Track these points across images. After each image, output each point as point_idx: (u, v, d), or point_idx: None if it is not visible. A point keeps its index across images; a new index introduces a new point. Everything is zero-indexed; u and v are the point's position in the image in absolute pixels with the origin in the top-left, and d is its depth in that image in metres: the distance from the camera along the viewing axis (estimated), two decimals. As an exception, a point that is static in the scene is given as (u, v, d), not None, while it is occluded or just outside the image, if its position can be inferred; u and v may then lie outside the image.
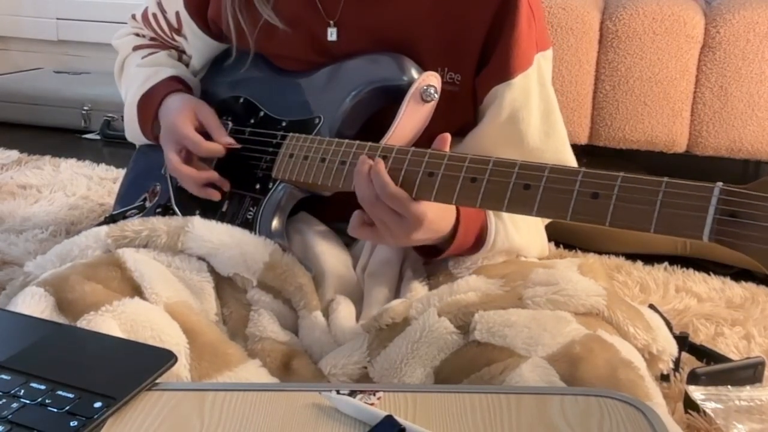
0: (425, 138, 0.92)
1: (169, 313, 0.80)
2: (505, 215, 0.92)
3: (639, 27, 1.56)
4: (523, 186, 0.71)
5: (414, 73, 0.92)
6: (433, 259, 0.93)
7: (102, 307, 0.77)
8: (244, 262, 0.88)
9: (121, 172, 1.92)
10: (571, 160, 1.00)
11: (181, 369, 0.76)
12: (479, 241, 0.91)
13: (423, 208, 0.80)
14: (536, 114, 0.95)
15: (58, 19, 2.98)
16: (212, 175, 0.99)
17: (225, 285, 0.89)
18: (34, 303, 0.77)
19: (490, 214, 0.91)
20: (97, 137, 2.42)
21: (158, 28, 1.15)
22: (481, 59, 0.94)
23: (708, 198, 0.60)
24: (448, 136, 0.82)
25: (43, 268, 0.87)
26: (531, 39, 0.93)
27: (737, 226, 0.58)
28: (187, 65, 1.16)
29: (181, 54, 1.17)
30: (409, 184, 0.80)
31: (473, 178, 0.75)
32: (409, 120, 0.90)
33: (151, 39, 1.18)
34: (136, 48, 1.17)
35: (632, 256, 1.48)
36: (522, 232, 0.94)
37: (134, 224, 0.91)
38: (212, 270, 0.89)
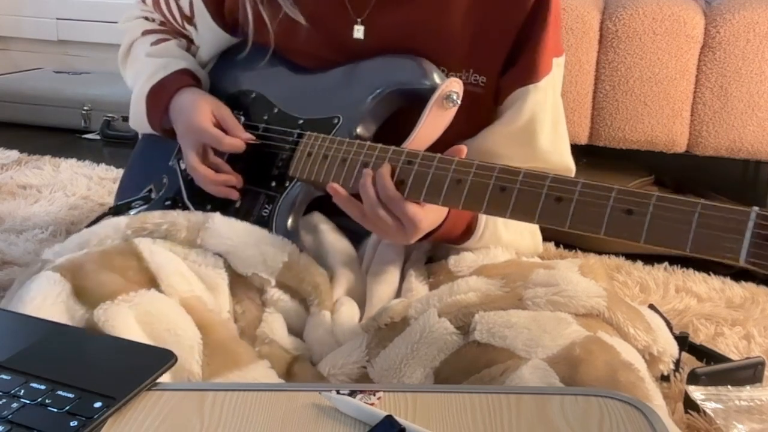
0: (444, 138, 0.93)
1: (184, 308, 0.80)
2: None
3: (639, 27, 1.56)
4: (555, 198, 0.71)
5: (437, 79, 0.91)
6: (417, 242, 0.93)
7: (119, 296, 0.76)
8: (263, 262, 0.88)
9: (120, 172, 1.91)
10: (572, 163, 1.02)
11: (193, 365, 0.77)
12: (468, 230, 0.92)
13: (421, 215, 0.82)
14: (549, 118, 0.97)
15: (58, 19, 2.98)
16: (230, 177, 0.99)
17: (239, 283, 0.89)
18: (48, 287, 0.76)
19: None
20: (97, 137, 2.42)
21: (169, 14, 1.13)
22: (506, 61, 0.95)
23: (745, 222, 0.60)
24: (464, 148, 0.82)
25: (61, 255, 0.86)
26: (553, 44, 0.95)
27: None
28: (194, 56, 1.14)
29: (189, 43, 1.15)
30: (436, 190, 0.80)
31: (503, 188, 0.75)
32: (431, 125, 0.90)
33: (161, 24, 1.16)
34: (144, 33, 1.15)
35: (632, 256, 1.48)
36: (510, 230, 0.95)
37: (154, 216, 0.91)
38: (228, 266, 0.89)
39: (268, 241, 0.90)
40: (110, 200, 1.69)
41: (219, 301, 0.87)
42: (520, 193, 0.73)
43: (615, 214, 0.67)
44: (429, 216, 0.84)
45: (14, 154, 2.10)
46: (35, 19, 3.01)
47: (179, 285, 0.82)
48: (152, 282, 0.81)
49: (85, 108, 2.45)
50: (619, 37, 1.57)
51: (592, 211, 0.69)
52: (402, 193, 0.82)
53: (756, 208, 0.61)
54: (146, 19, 1.17)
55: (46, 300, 0.75)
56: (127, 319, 0.75)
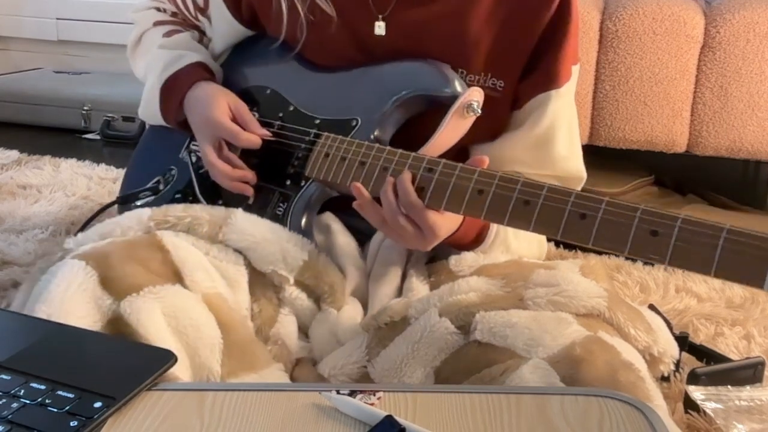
0: (459, 142, 0.93)
1: (206, 304, 0.80)
2: None
3: (639, 27, 1.56)
4: (579, 215, 0.71)
5: (458, 87, 0.92)
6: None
7: (145, 288, 0.76)
8: (283, 260, 0.89)
9: (120, 172, 1.91)
10: (584, 170, 1.03)
11: (214, 364, 0.77)
12: (479, 238, 0.92)
13: (439, 222, 0.82)
14: (566, 124, 0.98)
15: (58, 19, 2.98)
16: (247, 173, 0.99)
17: (257, 281, 0.89)
18: (72, 274, 0.76)
19: None
20: (97, 137, 2.42)
21: (182, 4, 1.13)
22: (526, 66, 0.95)
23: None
24: (486, 159, 0.82)
25: (83, 245, 0.86)
26: (572, 51, 0.96)
27: None
28: (206, 47, 1.13)
29: (201, 35, 1.14)
30: (457, 200, 0.80)
31: (526, 201, 0.75)
32: (449, 133, 0.91)
33: (172, 15, 1.15)
34: (156, 23, 1.14)
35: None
36: (520, 239, 0.95)
37: (177, 210, 0.91)
38: (248, 264, 0.89)
39: (289, 239, 0.91)
40: (110, 200, 1.69)
41: (238, 298, 0.87)
42: (544, 208, 0.74)
43: (640, 234, 0.68)
44: (447, 224, 0.84)
45: (14, 154, 2.10)
46: (35, 19, 3.01)
47: (203, 281, 0.82)
48: (176, 275, 0.81)
49: (85, 108, 2.45)
50: (619, 37, 1.57)
51: (617, 230, 0.69)
52: (422, 201, 0.82)
53: None
54: (158, 9, 1.16)
55: (71, 287, 0.74)
56: (153, 313, 0.75)
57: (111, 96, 2.42)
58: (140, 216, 0.90)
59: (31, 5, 3.01)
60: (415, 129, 0.92)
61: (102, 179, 1.89)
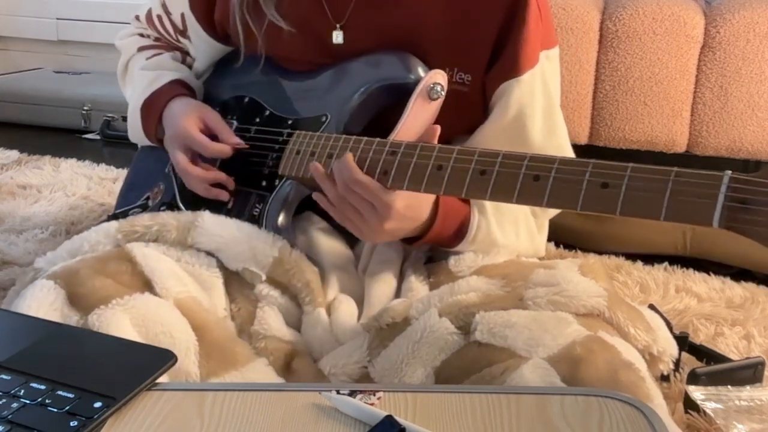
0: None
1: (179, 309, 0.80)
2: (490, 212, 0.92)
3: (639, 27, 1.56)
4: (532, 177, 0.71)
5: (420, 72, 0.92)
6: (411, 245, 0.93)
7: (113, 300, 0.77)
8: (253, 257, 0.89)
9: (120, 172, 1.92)
10: (572, 155, 1.00)
11: (191, 366, 0.77)
12: (460, 232, 0.92)
13: (393, 196, 0.81)
14: (539, 111, 0.96)
15: (58, 19, 2.98)
16: (220, 175, 1.00)
17: (234, 281, 0.90)
18: (43, 295, 0.77)
19: (474, 208, 0.91)
20: (97, 137, 2.42)
21: (162, 29, 1.15)
22: (491, 58, 0.94)
23: (717, 186, 0.61)
24: (437, 128, 0.82)
25: (54, 263, 0.87)
26: (538, 37, 0.94)
27: (747, 212, 0.59)
28: (190, 67, 1.16)
29: (185, 56, 1.16)
30: (418, 178, 0.80)
31: (483, 171, 0.75)
32: (416, 118, 0.90)
33: (155, 39, 1.18)
34: (140, 49, 1.16)
35: (632, 256, 1.48)
36: (506, 231, 0.95)
37: (144, 219, 0.91)
38: (221, 266, 0.90)
39: (258, 237, 0.91)
40: (110, 200, 1.69)
41: (215, 301, 0.87)
42: (499, 175, 0.74)
43: (590, 189, 0.67)
44: (402, 199, 0.83)
45: (14, 154, 2.10)
46: (35, 19, 3.01)
47: (173, 286, 0.82)
48: (146, 285, 0.82)
49: (85, 108, 2.45)
50: (619, 37, 1.57)
51: (569, 187, 0.69)
52: (385, 184, 0.82)
53: (729, 172, 0.61)
54: (141, 35, 1.19)
55: (41, 309, 0.75)
56: (122, 323, 0.75)
57: (111, 96, 2.42)
58: (108, 229, 0.90)
59: (31, 5, 3.01)
60: (386, 123, 0.92)
61: (102, 179, 1.89)
